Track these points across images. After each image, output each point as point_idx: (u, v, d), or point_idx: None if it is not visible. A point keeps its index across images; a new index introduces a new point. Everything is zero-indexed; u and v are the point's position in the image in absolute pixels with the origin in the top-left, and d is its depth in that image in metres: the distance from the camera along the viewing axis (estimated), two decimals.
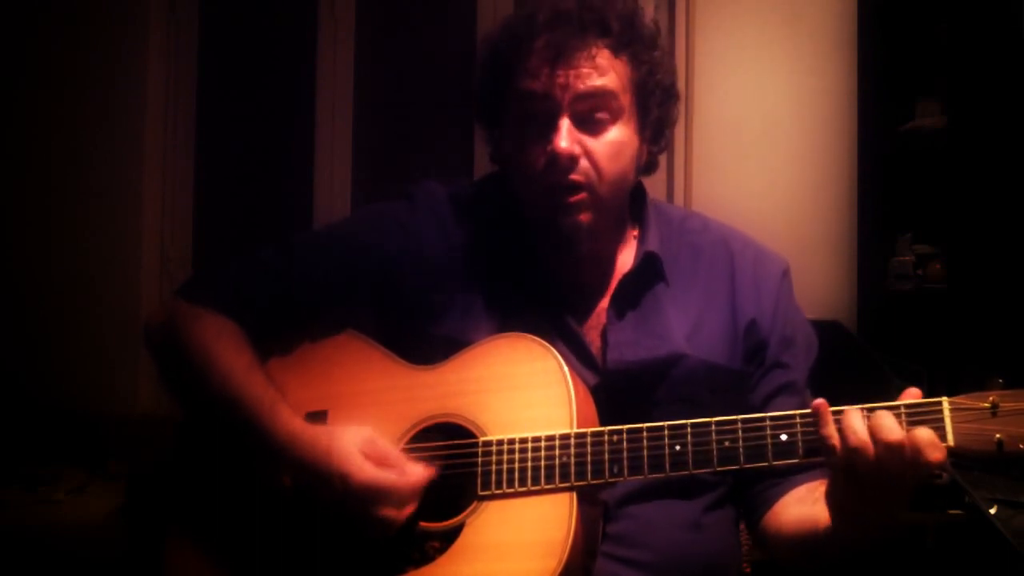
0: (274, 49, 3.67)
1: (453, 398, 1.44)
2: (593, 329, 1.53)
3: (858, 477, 1.24)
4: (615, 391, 1.46)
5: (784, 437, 1.30)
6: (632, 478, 1.35)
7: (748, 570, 1.66)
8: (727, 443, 1.31)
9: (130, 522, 2.75)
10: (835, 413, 1.26)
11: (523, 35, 1.47)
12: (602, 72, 1.45)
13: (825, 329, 1.91)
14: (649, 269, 1.54)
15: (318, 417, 1.47)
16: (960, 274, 3.02)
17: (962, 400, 1.24)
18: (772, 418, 1.31)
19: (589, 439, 1.36)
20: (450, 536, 1.38)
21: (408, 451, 1.43)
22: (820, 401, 1.28)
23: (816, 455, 1.28)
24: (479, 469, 1.39)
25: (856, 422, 1.24)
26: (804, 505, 1.45)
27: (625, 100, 1.47)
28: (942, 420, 1.23)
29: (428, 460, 1.41)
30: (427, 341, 1.50)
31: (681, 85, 1.73)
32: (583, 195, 1.45)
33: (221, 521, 1.49)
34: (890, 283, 3.15)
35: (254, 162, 3.66)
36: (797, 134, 3.35)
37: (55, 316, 3.39)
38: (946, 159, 3.03)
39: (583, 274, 1.55)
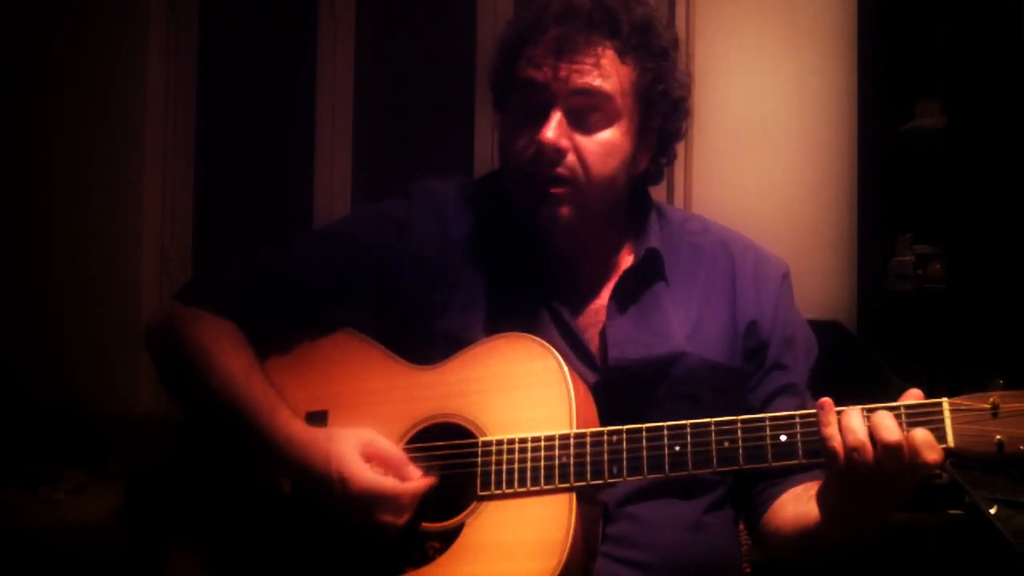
0: (274, 49, 3.67)
1: (453, 398, 1.44)
2: (592, 327, 1.53)
3: (856, 477, 1.24)
4: (615, 389, 1.46)
5: (783, 438, 1.30)
6: (631, 479, 1.35)
7: (748, 570, 1.66)
8: (727, 444, 1.31)
9: (130, 522, 2.75)
10: (836, 413, 1.26)
11: (534, 26, 1.48)
12: (604, 73, 1.45)
13: (825, 329, 1.91)
14: (650, 266, 1.54)
15: (318, 417, 1.47)
16: (960, 274, 3.02)
17: (962, 401, 1.24)
18: (772, 419, 1.31)
19: (589, 439, 1.36)
20: (450, 536, 1.38)
21: (408, 451, 1.43)
22: (826, 400, 1.28)
23: (815, 456, 1.28)
24: (479, 469, 1.38)
25: (856, 422, 1.24)
26: (800, 503, 1.45)
27: (624, 104, 1.47)
28: (942, 421, 1.24)
29: (428, 461, 1.41)
30: (427, 339, 1.50)
31: None
32: (567, 188, 1.45)
33: (221, 522, 1.49)
34: (890, 283, 3.15)
35: (254, 162, 3.66)
36: (797, 134, 3.35)
37: (55, 316, 3.39)
38: (946, 159, 3.03)
39: (582, 272, 1.55)
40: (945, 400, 1.25)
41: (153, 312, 1.60)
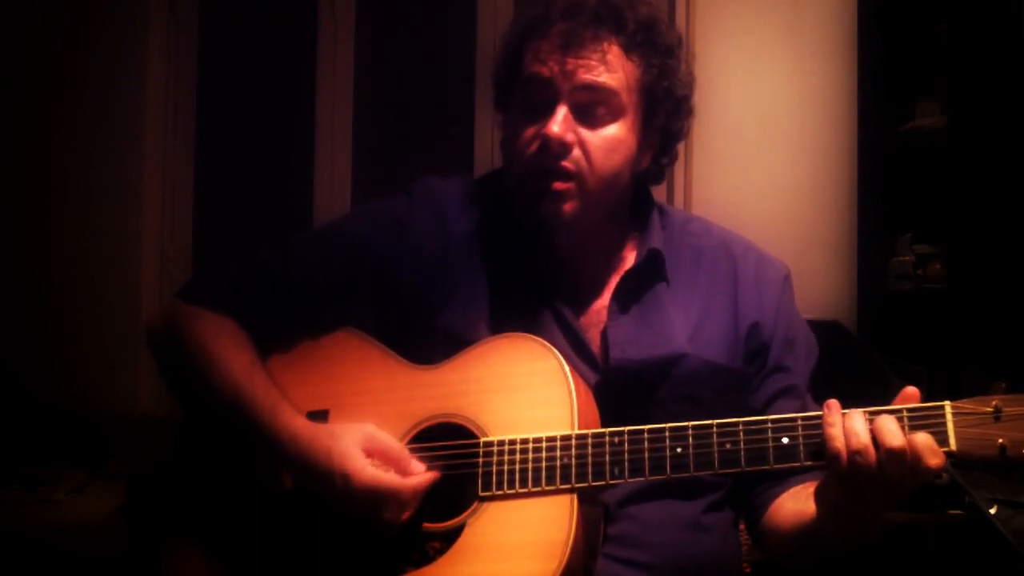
0: (274, 49, 3.67)
1: (454, 398, 1.44)
2: (593, 327, 1.53)
3: (857, 479, 1.24)
4: (616, 389, 1.47)
5: (785, 440, 1.30)
6: (633, 480, 1.35)
7: (748, 570, 1.66)
8: (728, 445, 1.31)
9: (130, 522, 2.75)
10: (841, 415, 1.27)
11: (539, 21, 1.49)
12: (610, 68, 1.45)
13: (825, 329, 1.91)
14: (652, 267, 1.54)
15: (319, 416, 1.47)
16: (960, 274, 3.02)
17: (965, 404, 1.24)
18: (774, 421, 1.31)
19: (590, 440, 1.36)
20: (451, 537, 1.38)
21: (409, 451, 1.43)
22: (832, 401, 1.28)
23: (817, 459, 1.28)
24: (480, 470, 1.39)
25: (859, 424, 1.24)
26: (798, 501, 1.46)
27: (629, 100, 1.48)
28: (944, 424, 1.23)
29: (429, 460, 1.41)
30: (427, 338, 1.50)
31: None
32: (571, 184, 1.45)
33: (221, 521, 1.49)
34: (890, 283, 3.15)
35: (254, 162, 3.66)
36: (797, 134, 3.35)
37: (55, 316, 3.39)
38: (946, 159, 3.03)
39: (584, 271, 1.55)
40: (947, 403, 1.25)
41: (154, 311, 1.60)
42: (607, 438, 1.35)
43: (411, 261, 1.54)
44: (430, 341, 1.50)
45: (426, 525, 1.40)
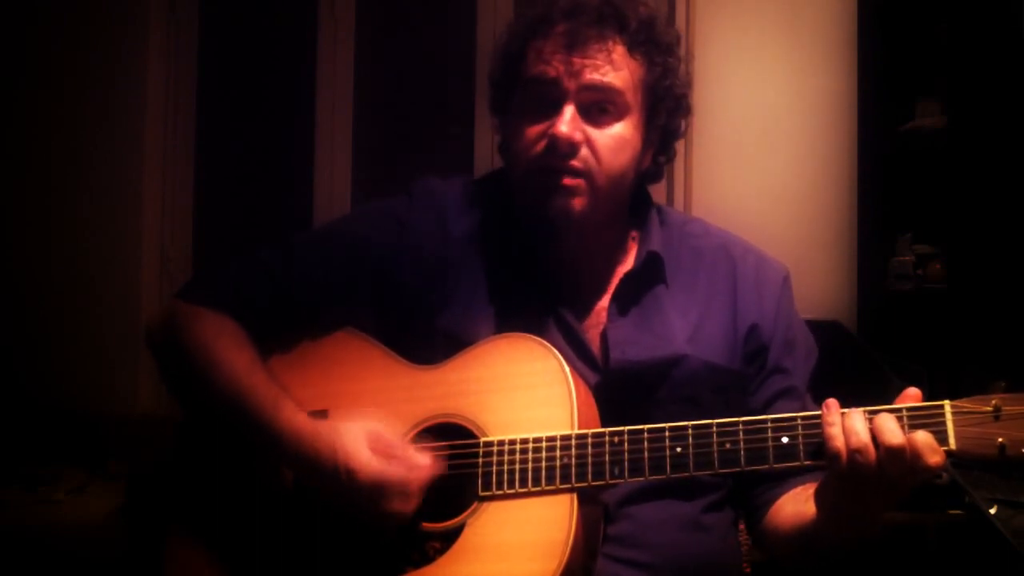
0: (274, 49, 3.67)
1: (454, 398, 1.44)
2: (593, 328, 1.53)
3: (857, 478, 1.24)
4: (616, 390, 1.47)
5: (785, 440, 1.30)
6: (633, 479, 1.35)
7: (748, 570, 1.66)
8: (728, 445, 1.31)
9: (130, 522, 2.75)
10: (840, 414, 1.27)
11: (541, 21, 1.49)
12: (615, 66, 1.46)
13: (825, 329, 1.91)
14: (651, 269, 1.54)
15: (318, 416, 1.47)
16: (960, 274, 3.02)
17: (964, 403, 1.24)
18: (773, 420, 1.31)
19: (590, 440, 1.36)
20: (450, 537, 1.38)
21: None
22: (831, 400, 1.28)
23: (817, 458, 1.28)
24: (480, 470, 1.39)
25: (859, 424, 1.24)
26: (798, 502, 1.46)
27: (634, 99, 1.48)
28: (944, 423, 1.24)
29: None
30: (427, 338, 1.50)
31: None
32: (580, 180, 1.45)
33: (222, 521, 1.49)
34: (890, 283, 3.15)
35: (254, 162, 3.66)
36: (797, 134, 3.34)
37: (55, 316, 3.39)
38: (946, 159, 3.03)
39: (583, 272, 1.55)
40: (947, 402, 1.25)
41: (154, 311, 1.60)
42: (607, 438, 1.35)
43: (411, 261, 1.54)
44: (430, 341, 1.50)
45: (426, 525, 1.40)
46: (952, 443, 1.23)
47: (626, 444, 1.35)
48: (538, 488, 1.35)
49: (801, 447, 1.29)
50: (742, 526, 1.61)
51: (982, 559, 2.12)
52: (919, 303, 3.09)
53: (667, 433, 1.34)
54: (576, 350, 1.50)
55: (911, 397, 1.27)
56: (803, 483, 1.48)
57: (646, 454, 1.34)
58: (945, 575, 2.51)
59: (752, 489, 1.54)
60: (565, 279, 1.55)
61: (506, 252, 1.55)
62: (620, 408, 1.43)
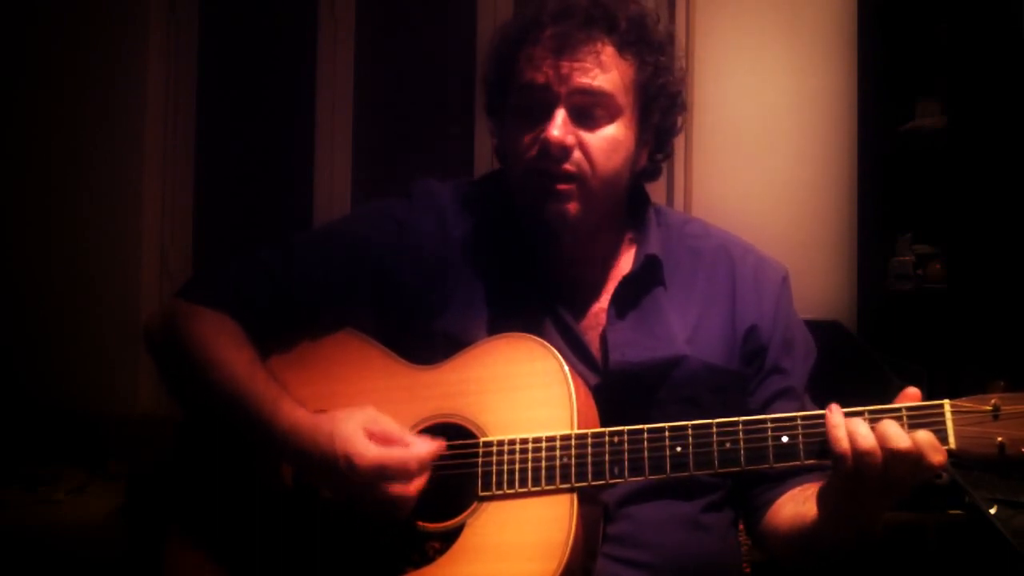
0: (274, 49, 3.67)
1: (454, 398, 1.44)
2: (592, 329, 1.53)
3: (862, 479, 1.24)
4: (616, 391, 1.47)
5: (785, 439, 1.30)
6: (633, 479, 1.35)
7: (748, 570, 1.66)
8: (728, 445, 1.32)
9: (130, 522, 2.75)
10: (843, 416, 1.27)
11: (531, 26, 1.48)
12: (605, 69, 1.45)
13: (825, 329, 1.91)
14: (649, 272, 1.54)
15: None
16: (960, 274, 3.02)
17: (964, 403, 1.24)
18: (773, 420, 1.31)
19: (590, 440, 1.36)
20: (450, 537, 1.38)
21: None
22: (834, 404, 1.28)
23: (816, 457, 1.28)
24: (479, 470, 1.39)
25: (863, 427, 1.24)
26: (798, 503, 1.46)
27: (625, 100, 1.48)
28: (943, 423, 1.24)
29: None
30: (426, 339, 1.50)
31: None
32: (573, 185, 1.45)
33: (222, 521, 1.49)
34: (890, 283, 3.15)
35: (254, 162, 3.66)
36: (797, 134, 3.34)
37: (55, 316, 3.39)
38: (946, 159, 3.03)
39: (582, 273, 1.55)
40: (946, 402, 1.25)
41: (152, 312, 1.60)
42: (607, 438, 1.35)
43: (410, 262, 1.54)
44: (429, 342, 1.50)
45: (426, 525, 1.40)
46: (952, 442, 1.23)
47: (626, 444, 1.35)
48: (538, 488, 1.35)
49: (801, 447, 1.29)
50: (742, 526, 1.61)
51: (982, 559, 2.12)
52: (919, 303, 3.09)
53: (667, 433, 1.34)
54: (575, 351, 1.50)
55: (910, 396, 1.27)
56: (802, 483, 1.48)
57: (646, 454, 1.34)
58: (945, 575, 2.51)
59: (751, 489, 1.54)
60: (564, 280, 1.55)
61: (505, 253, 1.55)
62: (620, 409, 1.43)
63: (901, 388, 1.29)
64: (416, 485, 1.36)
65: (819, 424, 1.28)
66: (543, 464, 1.36)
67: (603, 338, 1.51)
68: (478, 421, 1.42)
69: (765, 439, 1.31)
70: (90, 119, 3.45)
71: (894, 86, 3.17)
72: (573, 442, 1.36)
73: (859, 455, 1.23)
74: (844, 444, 1.24)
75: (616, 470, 1.34)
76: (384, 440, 1.37)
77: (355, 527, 1.41)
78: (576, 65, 1.44)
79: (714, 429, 1.32)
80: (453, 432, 1.43)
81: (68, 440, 3.16)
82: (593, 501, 1.39)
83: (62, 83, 3.45)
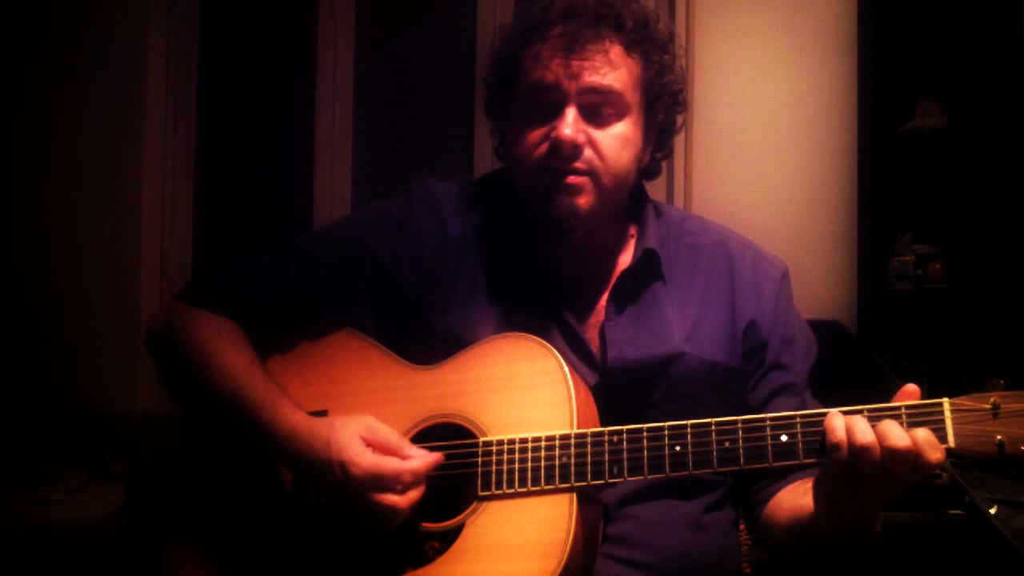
0: (274, 49, 3.67)
1: (453, 398, 1.44)
2: (592, 327, 1.53)
3: (860, 477, 1.24)
4: (615, 389, 1.47)
5: (784, 438, 1.30)
6: (632, 479, 1.35)
7: (748, 570, 1.66)
8: (727, 444, 1.31)
9: (130, 522, 2.76)
10: (842, 414, 1.27)
11: (538, 25, 1.49)
12: (614, 66, 1.46)
13: (825, 329, 1.91)
14: (648, 267, 1.54)
15: (318, 416, 1.47)
16: (960, 274, 3.01)
17: (963, 401, 1.24)
18: (772, 419, 1.31)
19: (589, 440, 1.36)
20: (450, 537, 1.38)
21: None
22: (834, 409, 1.28)
23: (816, 456, 1.28)
24: (479, 469, 1.39)
25: (862, 423, 1.24)
26: (796, 496, 1.46)
27: (633, 98, 1.48)
28: (943, 421, 1.24)
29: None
30: (426, 338, 1.51)
31: None
32: (584, 179, 1.45)
33: (222, 522, 1.49)
34: (890, 283, 3.15)
35: (254, 162, 3.66)
36: (797, 134, 3.34)
37: (55, 316, 3.39)
38: (946, 159, 3.03)
39: (583, 271, 1.55)
40: (946, 400, 1.25)
41: (154, 312, 1.60)
42: (606, 437, 1.36)
43: (410, 262, 1.54)
44: (429, 342, 1.50)
45: (425, 525, 1.40)
46: (951, 441, 1.23)
47: (625, 443, 1.35)
48: (537, 488, 1.36)
49: (800, 445, 1.29)
50: (742, 526, 1.61)
51: (982, 559, 2.12)
52: (919, 303, 3.09)
53: (666, 432, 1.34)
54: (575, 349, 1.50)
55: (909, 394, 1.27)
56: (802, 478, 1.48)
57: (645, 453, 1.34)
58: (945, 575, 2.51)
59: (751, 485, 1.54)
60: (564, 278, 1.55)
61: (505, 252, 1.55)
62: (619, 407, 1.43)
63: (900, 388, 1.29)
64: (410, 497, 1.36)
65: (819, 423, 1.28)
66: (542, 464, 1.36)
67: (602, 335, 1.51)
68: (478, 421, 1.42)
69: (764, 438, 1.30)
70: (90, 119, 3.45)
71: (894, 86, 3.17)
72: (573, 442, 1.36)
73: (856, 450, 1.23)
74: (840, 434, 1.24)
75: (615, 470, 1.34)
76: (381, 449, 1.38)
77: (355, 527, 1.41)
78: (586, 63, 1.45)
79: (713, 428, 1.32)
80: (453, 432, 1.43)
81: (68, 440, 3.16)
82: (593, 501, 1.39)
83: (62, 83, 3.45)
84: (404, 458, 1.37)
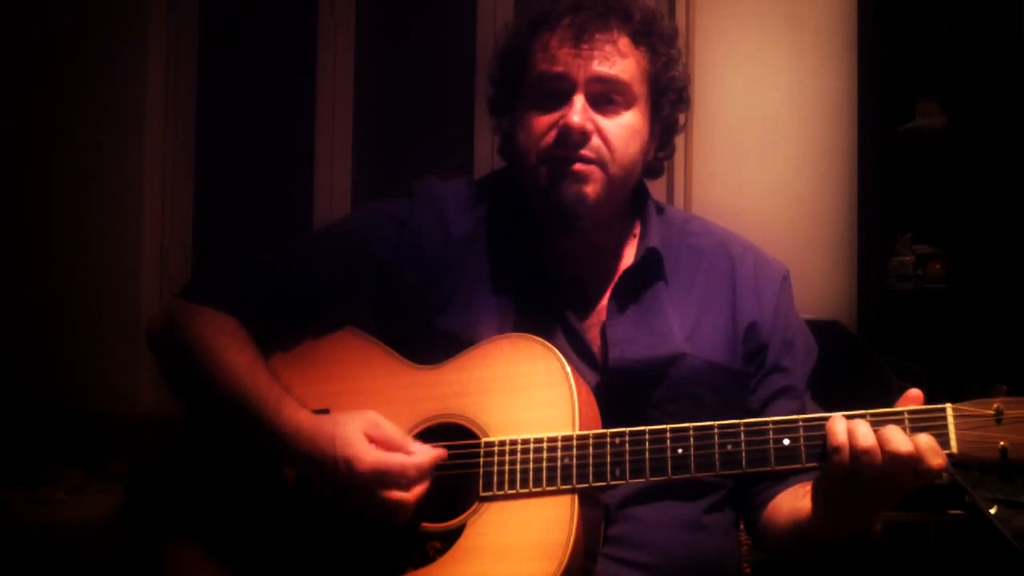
0: (274, 50, 3.67)
1: (455, 398, 1.44)
2: (593, 327, 1.53)
3: (861, 482, 1.24)
4: (616, 389, 1.47)
5: (786, 441, 1.30)
6: (634, 480, 1.35)
7: (748, 570, 1.66)
8: (729, 447, 1.31)
9: (130, 522, 2.76)
10: (844, 418, 1.27)
11: (547, 17, 1.50)
12: (622, 55, 1.47)
13: (825, 329, 1.92)
14: (650, 265, 1.54)
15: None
16: (960, 274, 3.02)
17: (966, 407, 1.24)
18: (775, 422, 1.31)
19: (591, 441, 1.36)
20: (451, 537, 1.38)
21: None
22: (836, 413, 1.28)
23: (818, 460, 1.28)
24: (481, 470, 1.39)
25: (863, 427, 1.24)
26: (796, 498, 1.46)
27: (640, 89, 1.49)
28: (945, 427, 1.23)
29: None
30: (428, 338, 1.51)
31: None
32: (593, 167, 1.46)
33: (222, 522, 1.49)
34: (890, 283, 3.15)
35: (254, 162, 3.66)
36: (797, 134, 3.35)
37: (55, 316, 3.39)
38: (946, 159, 3.03)
39: (584, 270, 1.55)
40: (949, 406, 1.25)
41: (154, 312, 1.60)
42: (608, 439, 1.36)
43: (411, 261, 1.54)
44: (431, 341, 1.50)
45: (426, 525, 1.40)
46: (953, 446, 1.23)
47: (627, 445, 1.35)
48: (539, 489, 1.36)
49: (802, 449, 1.29)
50: (742, 526, 1.61)
51: (982, 559, 2.12)
52: (919, 303, 3.09)
53: (668, 434, 1.34)
54: (576, 350, 1.50)
55: (913, 399, 1.27)
56: (801, 481, 1.48)
57: (647, 455, 1.34)
58: (945, 575, 2.51)
59: (752, 487, 1.54)
60: (566, 277, 1.55)
61: (507, 252, 1.55)
62: (620, 407, 1.43)
63: (901, 388, 1.29)
64: (415, 492, 1.36)
65: (821, 427, 1.28)
66: (544, 465, 1.36)
67: (603, 335, 1.51)
68: (479, 421, 1.42)
69: (767, 441, 1.30)
70: (90, 119, 3.45)
71: (894, 86, 3.18)
72: (574, 443, 1.36)
73: (858, 454, 1.22)
74: (842, 438, 1.24)
75: (617, 471, 1.34)
76: (385, 445, 1.37)
77: (356, 527, 1.41)
78: (595, 52, 1.46)
79: (715, 431, 1.32)
80: (455, 432, 1.43)
81: (68, 440, 3.16)
82: (594, 502, 1.39)
83: (62, 83, 3.45)
84: (408, 454, 1.37)
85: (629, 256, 1.57)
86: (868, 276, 3.19)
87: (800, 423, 1.30)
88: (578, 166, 1.45)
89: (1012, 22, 2.92)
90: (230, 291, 1.53)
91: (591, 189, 1.46)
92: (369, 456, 1.36)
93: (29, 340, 3.36)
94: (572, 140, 1.45)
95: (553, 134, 1.46)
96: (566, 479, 1.35)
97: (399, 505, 1.35)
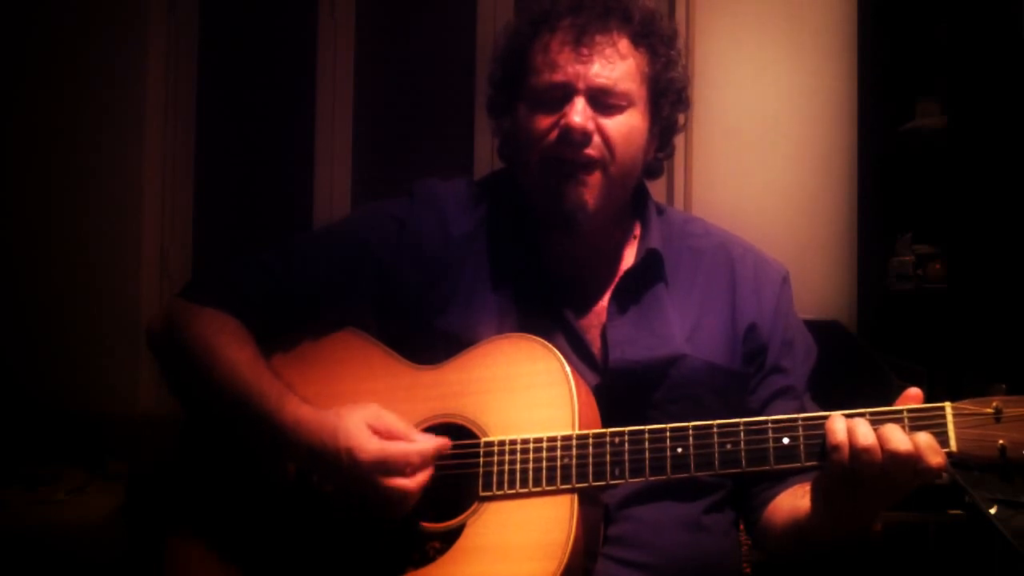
0: (274, 50, 3.67)
1: (455, 398, 1.44)
2: (594, 327, 1.53)
3: (860, 481, 1.24)
4: (616, 390, 1.47)
5: (786, 441, 1.30)
6: (633, 480, 1.35)
7: (748, 570, 1.66)
8: (729, 446, 1.31)
9: (130, 522, 2.75)
10: (843, 417, 1.27)
11: (546, 18, 1.50)
12: (622, 57, 1.47)
13: (825, 329, 1.92)
14: (651, 267, 1.54)
15: None
16: (960, 274, 3.02)
17: (965, 405, 1.24)
18: (774, 422, 1.31)
19: (591, 441, 1.36)
20: (451, 537, 1.38)
21: None
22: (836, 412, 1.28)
23: (817, 459, 1.28)
24: (480, 470, 1.39)
25: (863, 426, 1.24)
26: (795, 497, 1.46)
27: (640, 91, 1.50)
28: (945, 425, 1.24)
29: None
30: (428, 338, 1.51)
31: None
32: (596, 172, 1.46)
33: (223, 521, 1.49)
34: (890, 283, 3.15)
35: (254, 162, 3.66)
36: (797, 134, 3.35)
37: (55, 316, 3.39)
38: (946, 159, 3.03)
39: (585, 270, 1.55)
40: (948, 404, 1.25)
41: (154, 312, 1.60)
42: (608, 438, 1.36)
43: (411, 261, 1.54)
44: (431, 341, 1.50)
45: (426, 525, 1.40)
46: (953, 445, 1.23)
47: (627, 445, 1.35)
48: (539, 488, 1.36)
49: (802, 448, 1.29)
50: (742, 526, 1.61)
51: (982, 559, 2.12)
52: (919, 303, 3.09)
53: (668, 434, 1.34)
54: (576, 350, 1.50)
55: (912, 398, 1.27)
56: (800, 481, 1.48)
57: (647, 455, 1.34)
58: (945, 575, 2.51)
59: (751, 488, 1.54)
60: (566, 277, 1.55)
61: (507, 252, 1.55)
62: (620, 407, 1.43)
63: (901, 388, 1.29)
64: (419, 480, 1.36)
65: (820, 426, 1.28)
66: (544, 465, 1.36)
67: (603, 336, 1.51)
68: (479, 421, 1.42)
69: (766, 440, 1.30)
70: (90, 119, 3.45)
71: (894, 86, 3.18)
72: (574, 443, 1.36)
73: (857, 452, 1.23)
74: (842, 436, 1.24)
75: (617, 471, 1.34)
76: (388, 435, 1.37)
77: (356, 526, 1.41)
78: (595, 54, 1.46)
79: (715, 430, 1.32)
80: (454, 432, 1.43)
81: (68, 440, 3.16)
82: (594, 502, 1.39)
83: (62, 83, 3.45)
84: (410, 442, 1.37)
85: (629, 257, 1.57)
86: (868, 276, 3.19)
87: (799, 422, 1.30)
88: (580, 168, 1.46)
89: (1012, 22, 2.92)
90: (230, 291, 1.53)
91: (592, 190, 1.46)
92: (372, 445, 1.36)
93: (29, 340, 3.36)
94: (573, 140, 1.45)
95: (554, 134, 1.46)
96: (566, 479, 1.35)
97: (402, 493, 1.35)
